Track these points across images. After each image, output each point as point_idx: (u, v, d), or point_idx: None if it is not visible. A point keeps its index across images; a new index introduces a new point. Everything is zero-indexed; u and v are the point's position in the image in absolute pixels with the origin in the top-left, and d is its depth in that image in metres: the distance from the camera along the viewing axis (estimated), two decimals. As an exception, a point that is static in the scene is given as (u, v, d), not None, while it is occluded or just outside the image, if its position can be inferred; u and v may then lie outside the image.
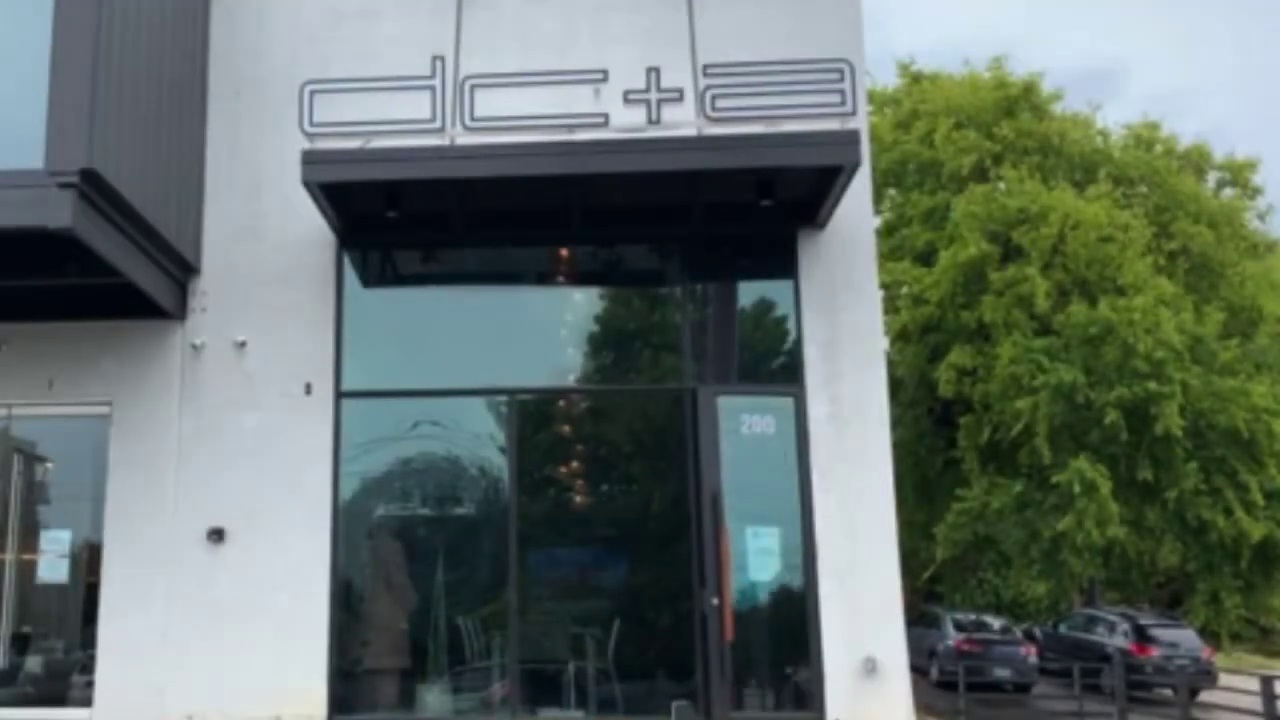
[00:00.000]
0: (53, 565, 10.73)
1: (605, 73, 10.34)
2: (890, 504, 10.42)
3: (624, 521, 11.20)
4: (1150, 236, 25.23)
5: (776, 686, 10.38)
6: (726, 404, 10.47)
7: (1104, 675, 19.94)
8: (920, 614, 25.50)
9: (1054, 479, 22.34)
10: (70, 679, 10.58)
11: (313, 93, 10.05)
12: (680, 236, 11.21)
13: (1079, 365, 22.59)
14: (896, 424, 14.69)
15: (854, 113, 9.92)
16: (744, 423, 10.45)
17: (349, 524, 10.73)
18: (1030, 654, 23.78)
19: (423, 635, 10.70)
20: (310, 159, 9.83)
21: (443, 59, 10.22)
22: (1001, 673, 22.87)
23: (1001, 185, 26.08)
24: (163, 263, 10.35)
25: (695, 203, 10.76)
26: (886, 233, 27.34)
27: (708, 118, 10.00)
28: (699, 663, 10.16)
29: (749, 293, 11.53)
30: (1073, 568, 23.91)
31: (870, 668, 10.04)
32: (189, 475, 10.58)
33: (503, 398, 10.97)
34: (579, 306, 11.52)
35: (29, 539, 10.88)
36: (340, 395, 10.74)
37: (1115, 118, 57.76)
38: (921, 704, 11.90)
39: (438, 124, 10.03)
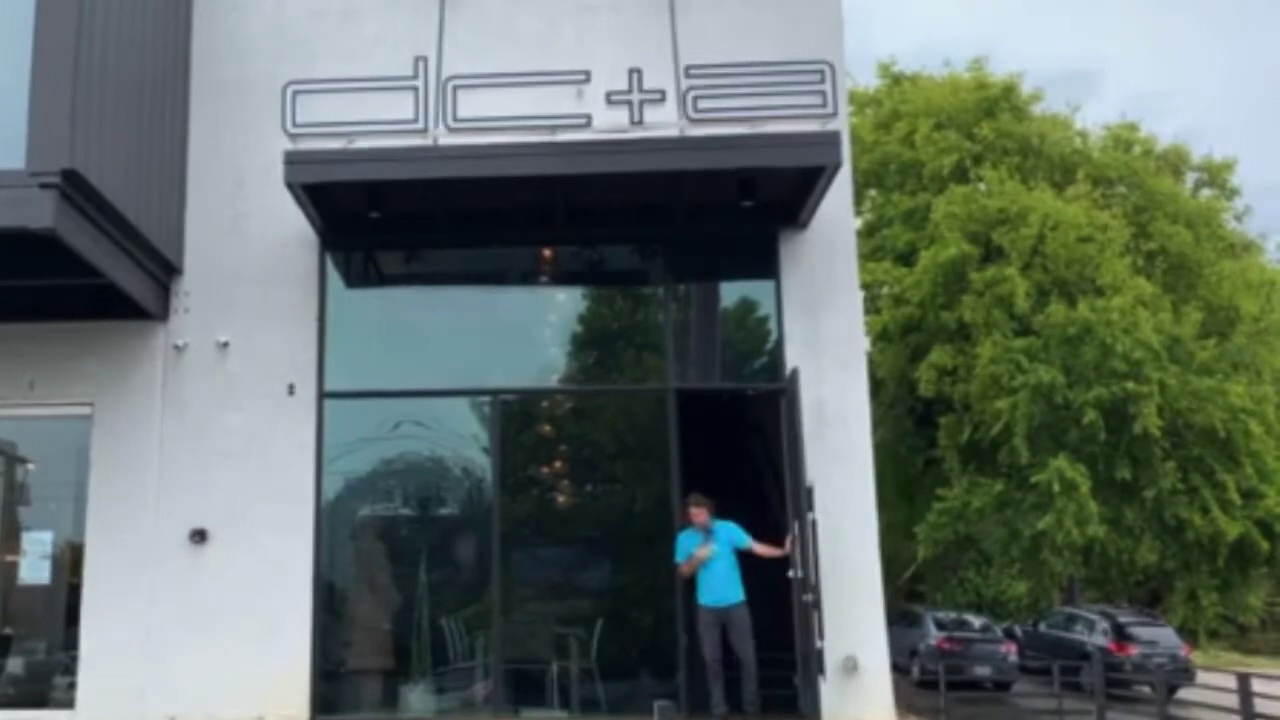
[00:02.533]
0: (34, 566, 10.69)
1: (588, 74, 10.37)
2: (871, 503, 10.48)
3: (607, 521, 11.25)
4: (1129, 237, 25.33)
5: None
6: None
7: (1083, 673, 20.05)
8: (901, 613, 25.58)
9: (1034, 478, 22.40)
10: (52, 680, 10.55)
11: (295, 93, 10.06)
12: (662, 237, 11.24)
13: (1058, 365, 22.67)
14: (877, 424, 14.73)
15: (835, 114, 9.97)
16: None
17: (332, 525, 10.74)
18: (1010, 652, 23.90)
19: (406, 635, 10.71)
20: (293, 159, 9.83)
21: (425, 59, 10.23)
22: (982, 671, 22.97)
23: (982, 186, 26.13)
24: (145, 263, 10.33)
25: (677, 203, 10.79)
26: (867, 233, 27.37)
27: (690, 119, 10.04)
28: (682, 662, 10.20)
29: (731, 293, 11.59)
30: (1053, 566, 24.00)
31: (851, 667, 10.09)
32: (171, 476, 10.56)
33: (486, 398, 10.99)
34: (562, 307, 11.55)
35: (10, 540, 10.85)
36: (323, 396, 10.74)
37: (1094, 119, 58.04)
38: (903, 703, 11.93)
39: (420, 124, 10.04)
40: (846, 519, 10.32)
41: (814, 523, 9.87)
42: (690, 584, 9.98)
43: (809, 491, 9.93)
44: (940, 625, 24.91)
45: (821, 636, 9.71)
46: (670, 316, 11.22)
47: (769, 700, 9.85)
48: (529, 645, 10.68)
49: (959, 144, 26.79)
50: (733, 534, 9.91)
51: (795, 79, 10.02)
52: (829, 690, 9.94)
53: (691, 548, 9.87)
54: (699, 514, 9.94)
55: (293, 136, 9.95)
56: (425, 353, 11.06)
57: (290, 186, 10.01)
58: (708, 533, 9.85)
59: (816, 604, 9.71)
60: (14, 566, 10.74)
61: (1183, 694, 20.00)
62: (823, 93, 9.92)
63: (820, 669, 9.70)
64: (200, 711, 10.02)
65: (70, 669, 10.35)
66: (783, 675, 10.13)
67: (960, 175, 26.79)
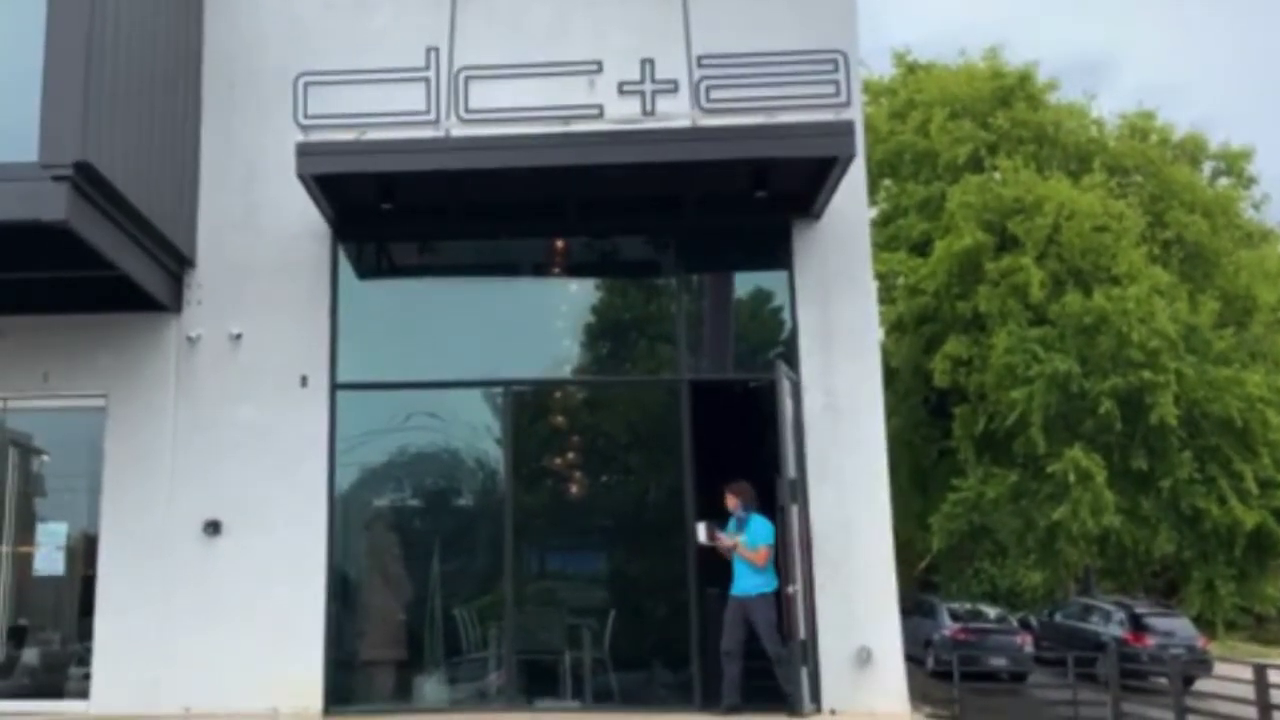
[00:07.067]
0: (49, 558, 10.72)
1: (600, 64, 10.35)
2: (885, 494, 10.43)
3: (620, 512, 11.23)
4: (1145, 226, 25.25)
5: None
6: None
7: (1099, 664, 20.01)
8: (916, 603, 25.57)
9: (1049, 468, 22.38)
10: (67, 671, 10.58)
11: (307, 84, 10.08)
12: (675, 228, 11.20)
13: (1074, 355, 22.62)
14: (891, 414, 14.68)
15: (849, 103, 9.93)
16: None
17: (345, 516, 10.75)
18: (1025, 643, 23.91)
19: (419, 626, 10.72)
20: (305, 151, 9.83)
21: (437, 50, 10.23)
22: (997, 662, 22.99)
23: (997, 175, 26.05)
24: (158, 255, 10.34)
25: (690, 194, 10.75)
26: (882, 223, 27.34)
27: (702, 109, 10.02)
28: (695, 653, 10.19)
29: (744, 284, 11.54)
30: (1068, 557, 24.00)
31: (865, 658, 10.05)
32: (184, 468, 10.58)
33: (498, 389, 10.97)
34: (574, 298, 11.52)
35: (25, 531, 10.88)
36: (336, 387, 10.73)
37: (1110, 108, 57.67)
38: (917, 693, 11.90)
39: (432, 116, 10.05)
40: (860, 509, 10.29)
41: (797, 514, 9.86)
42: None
43: (791, 484, 9.90)
44: (955, 616, 24.92)
45: (807, 628, 9.69)
46: (683, 307, 11.18)
47: (764, 691, 9.80)
48: (542, 636, 10.67)
49: (974, 133, 26.71)
50: (756, 530, 9.88)
51: (809, 68, 9.99)
52: (842, 681, 9.92)
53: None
54: (730, 500, 10.03)
55: (305, 128, 9.96)
56: (437, 344, 11.05)
57: (302, 178, 9.99)
58: (741, 520, 9.89)
59: (808, 595, 9.71)
60: (29, 558, 10.78)
61: (1200, 685, 19.94)
62: (836, 82, 9.89)
63: (804, 660, 9.67)
64: (214, 702, 10.03)
65: (85, 660, 10.38)
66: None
67: (975, 165, 26.71)
